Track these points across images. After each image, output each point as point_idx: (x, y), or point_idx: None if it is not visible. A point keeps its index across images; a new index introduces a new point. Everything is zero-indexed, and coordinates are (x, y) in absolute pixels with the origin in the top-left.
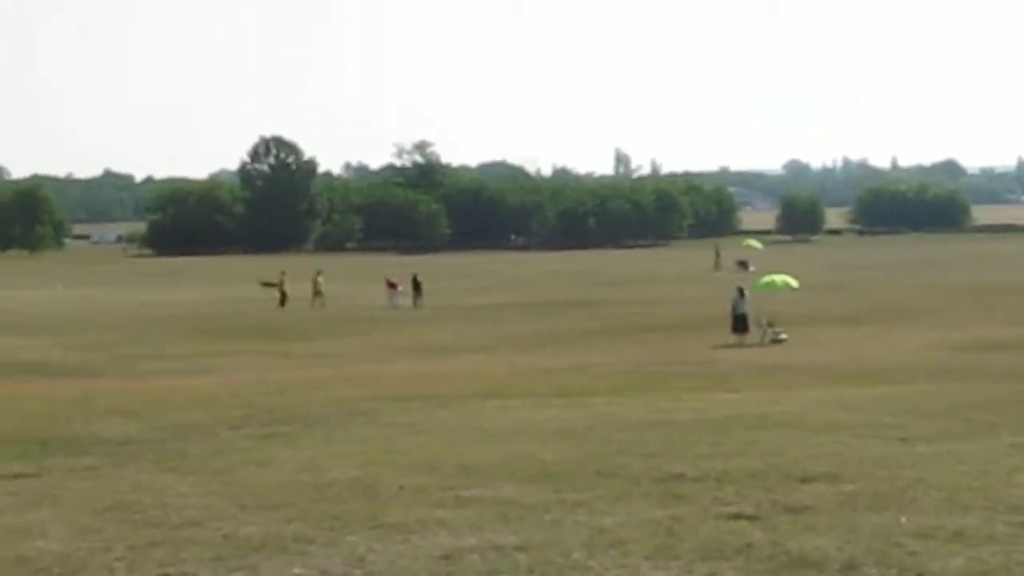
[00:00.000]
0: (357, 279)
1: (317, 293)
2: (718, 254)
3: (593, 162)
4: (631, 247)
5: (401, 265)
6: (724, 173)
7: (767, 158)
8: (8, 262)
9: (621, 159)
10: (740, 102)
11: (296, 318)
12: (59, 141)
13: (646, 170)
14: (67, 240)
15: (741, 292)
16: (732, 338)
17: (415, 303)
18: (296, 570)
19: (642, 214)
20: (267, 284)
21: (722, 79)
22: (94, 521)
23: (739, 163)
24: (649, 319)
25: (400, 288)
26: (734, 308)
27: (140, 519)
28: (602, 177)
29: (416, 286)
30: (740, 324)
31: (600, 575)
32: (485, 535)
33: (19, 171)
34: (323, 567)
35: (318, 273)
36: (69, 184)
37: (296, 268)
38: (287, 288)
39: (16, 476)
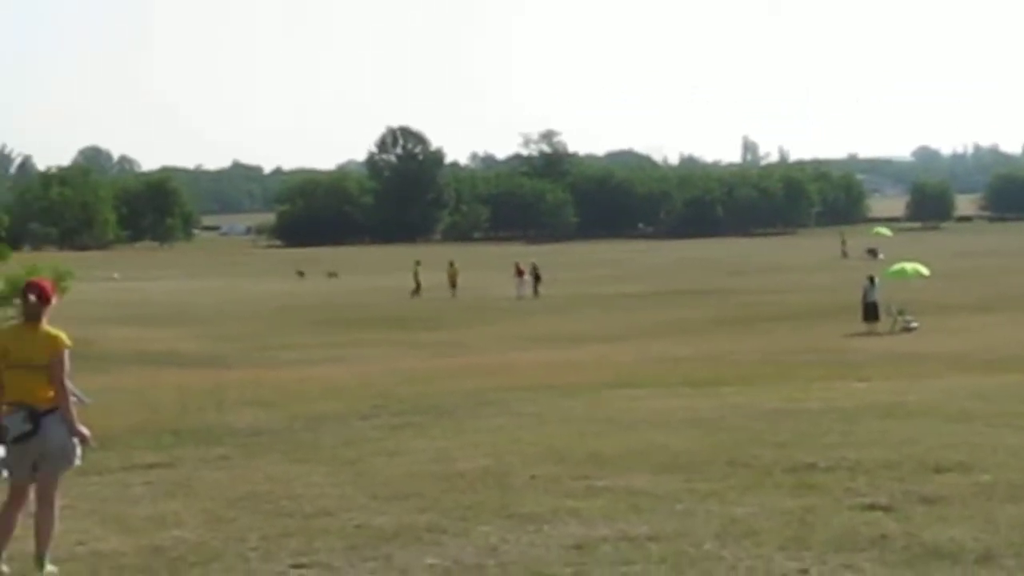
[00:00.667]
0: (485, 268)
1: (453, 283)
2: (844, 242)
3: (720, 150)
4: (759, 235)
5: (527, 255)
6: (853, 160)
7: (896, 145)
8: (139, 253)
9: (749, 147)
10: (869, 88)
11: (425, 308)
12: (188, 134)
13: (774, 157)
14: (196, 231)
15: (872, 280)
16: (863, 326)
17: (535, 292)
18: (429, 560)
19: (770, 202)
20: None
21: (850, 65)
22: (228, 511)
23: (868, 150)
24: (778, 308)
25: (526, 276)
26: (865, 296)
27: (273, 509)
28: (729, 165)
29: (536, 276)
30: (871, 312)
31: (732, 566)
32: (617, 525)
33: (149, 164)
34: (456, 557)
35: (452, 263)
36: (199, 176)
37: (426, 258)
38: (421, 278)
39: (150, 466)
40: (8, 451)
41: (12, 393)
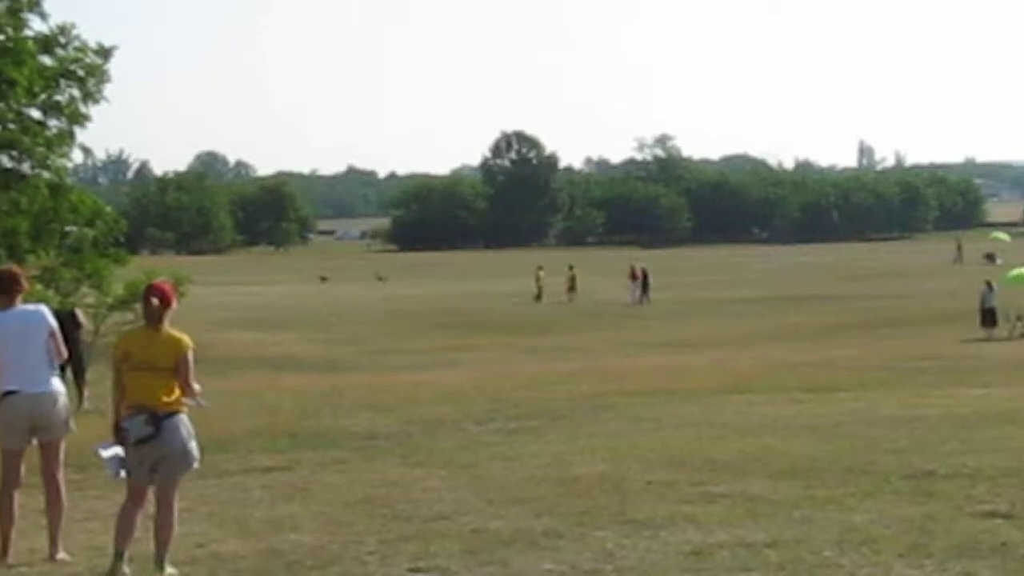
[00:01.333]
0: (600, 273)
1: (571, 288)
2: (960, 247)
3: (836, 154)
4: (875, 240)
5: (640, 259)
6: (970, 164)
7: (1015, 148)
8: (255, 257)
9: (864, 151)
10: (986, 92)
11: (539, 312)
12: (303, 138)
13: (890, 162)
14: (312, 236)
15: (990, 285)
16: (980, 332)
17: (644, 298)
18: (546, 565)
19: (886, 207)
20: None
21: (967, 68)
22: (345, 514)
23: (985, 154)
24: (894, 313)
25: (638, 280)
26: (983, 302)
27: (390, 513)
28: (845, 169)
29: (645, 281)
30: (989, 318)
31: (852, 573)
32: (734, 531)
33: (265, 168)
34: (573, 562)
35: (571, 267)
36: (314, 181)
37: (542, 263)
38: (543, 283)
39: (268, 469)
40: (128, 453)
41: (133, 395)
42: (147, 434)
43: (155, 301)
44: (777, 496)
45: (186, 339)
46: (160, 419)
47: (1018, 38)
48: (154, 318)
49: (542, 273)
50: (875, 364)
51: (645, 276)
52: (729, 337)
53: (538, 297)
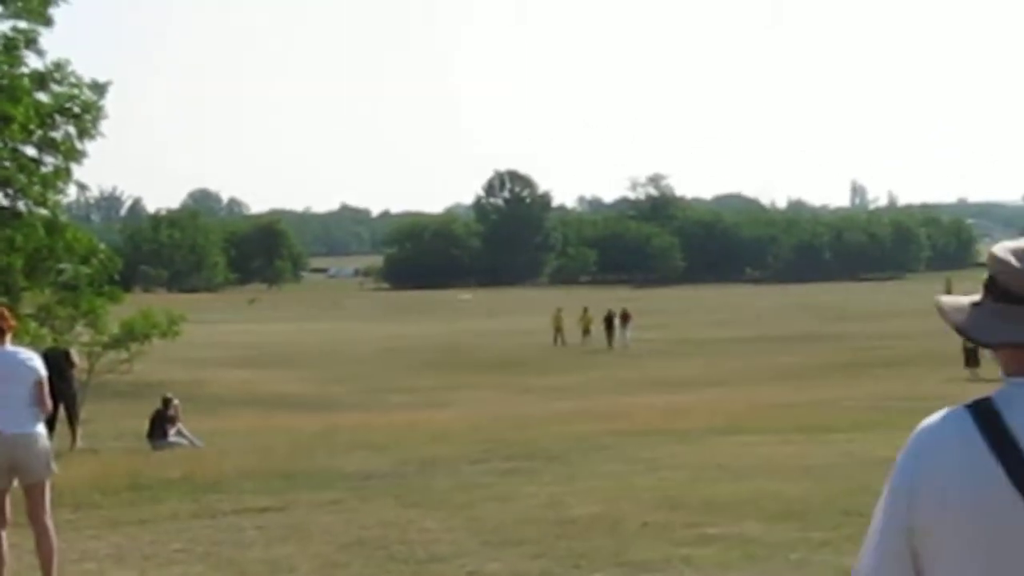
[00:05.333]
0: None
1: (586, 331)
2: (949, 287)
3: (829, 194)
4: (868, 280)
5: (634, 299)
6: (962, 204)
7: (1006, 188)
8: (248, 295)
9: (857, 191)
10: (978, 132)
11: (533, 352)
12: (297, 176)
13: (883, 202)
14: (305, 274)
15: None
16: (965, 372)
17: (611, 342)
18: None
19: (879, 246)
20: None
21: (960, 107)
22: (340, 555)
23: (978, 193)
24: (887, 353)
25: (631, 320)
26: (965, 342)
27: (385, 554)
28: (838, 209)
29: (609, 323)
30: (972, 358)
31: None
32: (730, 574)
33: (258, 206)
34: None
35: (586, 310)
36: (307, 218)
37: (537, 303)
38: (564, 325)
39: (263, 510)
40: None
41: None
42: None
43: None
44: (772, 538)
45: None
46: None
47: (1009, 79)
48: None
49: (563, 315)
50: (868, 404)
51: (610, 319)
52: (723, 377)
53: (557, 340)
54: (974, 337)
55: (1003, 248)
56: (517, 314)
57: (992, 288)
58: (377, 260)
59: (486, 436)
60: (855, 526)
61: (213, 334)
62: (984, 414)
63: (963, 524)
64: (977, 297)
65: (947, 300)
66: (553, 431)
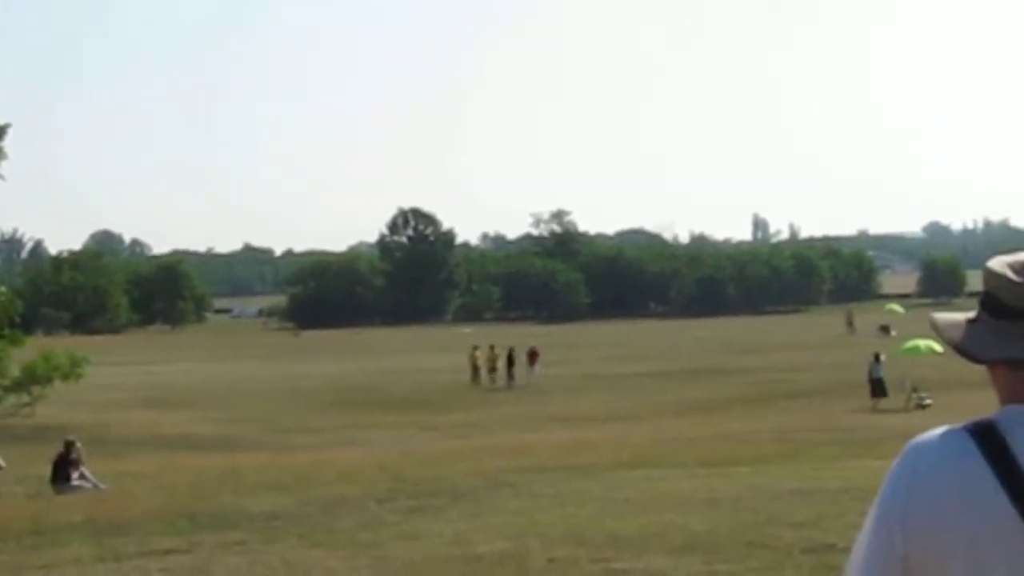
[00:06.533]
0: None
1: (492, 367)
2: (851, 319)
3: (731, 228)
4: (770, 313)
5: (539, 335)
6: (863, 236)
7: (907, 220)
8: (151, 337)
9: (759, 224)
10: (878, 165)
11: (440, 390)
12: (199, 217)
13: (784, 235)
14: (208, 314)
15: (877, 357)
16: (870, 403)
17: (508, 380)
18: None
19: (781, 279)
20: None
21: (858, 142)
22: None
23: (878, 226)
24: (791, 386)
25: (539, 357)
26: (871, 373)
27: None
28: (740, 243)
29: (510, 360)
30: (878, 389)
31: None
32: None
33: (160, 247)
34: None
35: (492, 347)
36: (210, 259)
37: (441, 340)
38: (481, 363)
39: (167, 552)
40: None
41: None
42: None
43: None
44: (678, 572)
45: None
46: None
47: (908, 111)
48: None
49: (479, 353)
50: (773, 437)
51: (511, 356)
52: (627, 411)
53: (474, 379)
54: (971, 354)
55: (999, 262)
56: (422, 352)
57: (989, 304)
58: (281, 300)
59: (392, 474)
60: (760, 558)
61: (117, 375)
62: (988, 438)
63: (960, 551)
64: (972, 314)
65: (941, 317)
66: (459, 468)
